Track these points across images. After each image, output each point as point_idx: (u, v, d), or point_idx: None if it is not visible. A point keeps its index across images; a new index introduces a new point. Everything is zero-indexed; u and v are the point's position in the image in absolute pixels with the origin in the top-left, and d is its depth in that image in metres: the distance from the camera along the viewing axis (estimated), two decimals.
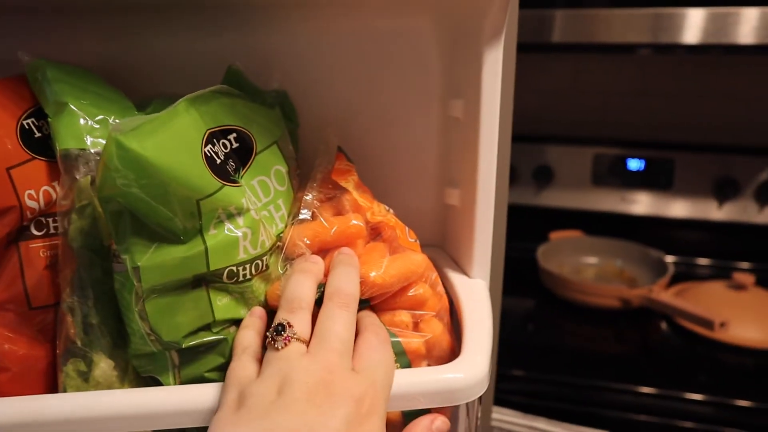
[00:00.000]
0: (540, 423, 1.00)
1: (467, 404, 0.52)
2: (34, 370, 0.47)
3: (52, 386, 0.47)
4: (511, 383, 1.01)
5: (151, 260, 0.41)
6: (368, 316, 0.46)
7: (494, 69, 0.51)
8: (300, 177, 0.54)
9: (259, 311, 0.46)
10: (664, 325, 1.15)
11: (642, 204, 1.33)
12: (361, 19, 0.57)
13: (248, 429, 0.35)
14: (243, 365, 0.41)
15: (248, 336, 0.43)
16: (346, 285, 0.44)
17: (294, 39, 0.58)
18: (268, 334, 0.41)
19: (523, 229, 1.18)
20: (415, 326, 0.50)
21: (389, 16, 0.57)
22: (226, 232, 0.43)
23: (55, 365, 0.47)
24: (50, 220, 0.45)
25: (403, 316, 0.49)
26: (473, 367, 0.46)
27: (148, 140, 0.39)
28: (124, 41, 0.56)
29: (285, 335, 0.40)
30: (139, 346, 0.44)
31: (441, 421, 0.45)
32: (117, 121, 0.45)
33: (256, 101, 0.50)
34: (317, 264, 0.46)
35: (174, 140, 0.41)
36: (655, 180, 1.30)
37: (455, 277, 0.58)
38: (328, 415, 0.36)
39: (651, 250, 1.26)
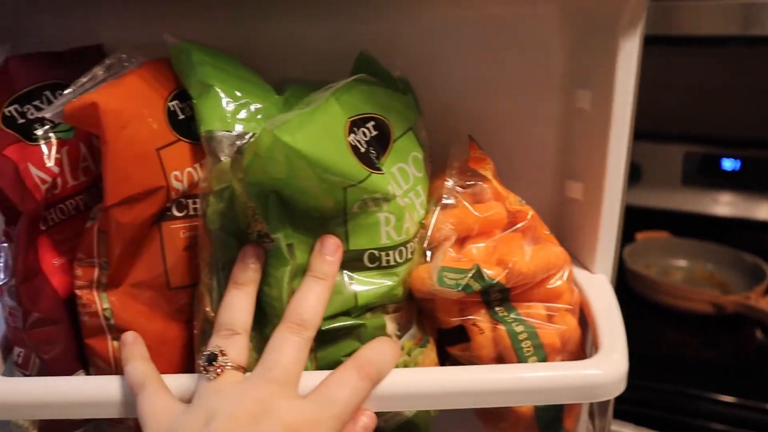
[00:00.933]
0: (627, 429, 0.97)
1: (601, 403, 0.51)
2: (170, 348, 0.48)
3: (188, 365, 0.48)
4: None
5: (300, 238, 0.42)
6: (309, 296, 0.42)
7: (629, 60, 0.50)
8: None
9: (131, 336, 0.45)
10: (759, 333, 1.10)
11: (734, 206, 1.28)
12: (483, 6, 0.56)
13: None
14: (159, 398, 0.40)
15: (142, 368, 0.42)
16: (306, 308, 0.41)
17: (416, 26, 0.57)
18: (199, 362, 0.39)
19: None
20: (549, 320, 0.49)
21: (513, 3, 0.56)
22: (368, 213, 0.43)
23: (190, 345, 0.48)
24: (190, 201, 0.46)
25: (539, 309, 0.49)
26: (613, 364, 0.45)
27: (298, 133, 0.39)
28: (251, 26, 0.56)
29: (217, 365, 0.38)
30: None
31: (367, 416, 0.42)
32: (259, 104, 0.45)
33: (389, 87, 0.49)
34: (254, 270, 0.42)
35: (322, 132, 0.41)
36: (750, 181, 1.25)
37: (577, 272, 0.56)
38: None
39: (746, 255, 1.21)
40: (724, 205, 1.28)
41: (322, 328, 0.44)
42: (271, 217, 0.42)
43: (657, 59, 1.30)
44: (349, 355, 0.45)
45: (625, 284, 1.21)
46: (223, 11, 0.55)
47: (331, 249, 0.42)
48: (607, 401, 0.51)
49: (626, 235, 1.32)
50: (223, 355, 0.38)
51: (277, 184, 0.41)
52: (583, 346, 0.51)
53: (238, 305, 0.41)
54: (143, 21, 0.52)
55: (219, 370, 0.38)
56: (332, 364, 0.45)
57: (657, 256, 1.27)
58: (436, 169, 0.52)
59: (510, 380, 0.44)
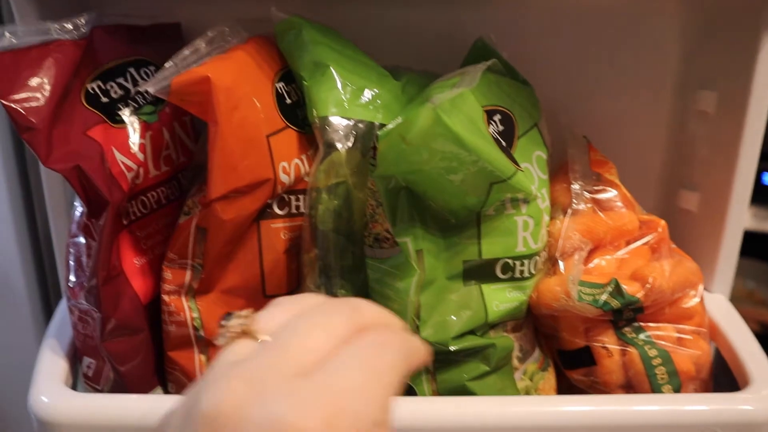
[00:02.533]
0: None
1: None
2: None
3: None
4: None
5: (431, 242, 0.36)
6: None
7: None
8: None
9: None
10: None
11: None
12: None
13: None
14: None
15: None
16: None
17: (521, 16, 0.52)
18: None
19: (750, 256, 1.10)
20: (679, 343, 0.43)
21: None
22: (504, 216, 0.37)
23: None
24: (293, 197, 0.40)
25: (670, 331, 0.43)
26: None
27: (454, 116, 0.33)
28: (343, 10, 0.50)
29: (234, 322, 0.24)
30: None
31: None
32: (376, 90, 0.40)
33: (512, 78, 0.44)
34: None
35: (469, 119, 0.35)
36: None
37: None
38: None
39: None
40: (765, 219, 1.24)
41: (450, 349, 0.38)
42: (400, 217, 0.36)
43: None
44: (475, 379, 0.39)
45: None
46: None
47: None
48: None
49: None
50: (249, 314, 0.24)
51: (416, 178, 0.35)
52: (711, 376, 0.46)
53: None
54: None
55: (235, 332, 0.23)
56: (454, 389, 0.39)
57: None
58: (550, 170, 0.46)
59: (656, 413, 0.38)
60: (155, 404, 0.37)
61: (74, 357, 0.42)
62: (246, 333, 0.23)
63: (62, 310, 0.45)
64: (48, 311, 0.56)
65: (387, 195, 0.36)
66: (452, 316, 0.38)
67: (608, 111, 0.55)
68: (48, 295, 0.58)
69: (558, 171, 0.47)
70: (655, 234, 0.45)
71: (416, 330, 0.37)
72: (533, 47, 0.52)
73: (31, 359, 0.41)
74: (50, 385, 0.38)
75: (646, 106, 0.54)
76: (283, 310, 0.25)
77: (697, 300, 0.44)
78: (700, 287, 0.45)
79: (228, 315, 0.24)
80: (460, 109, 0.34)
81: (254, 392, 0.20)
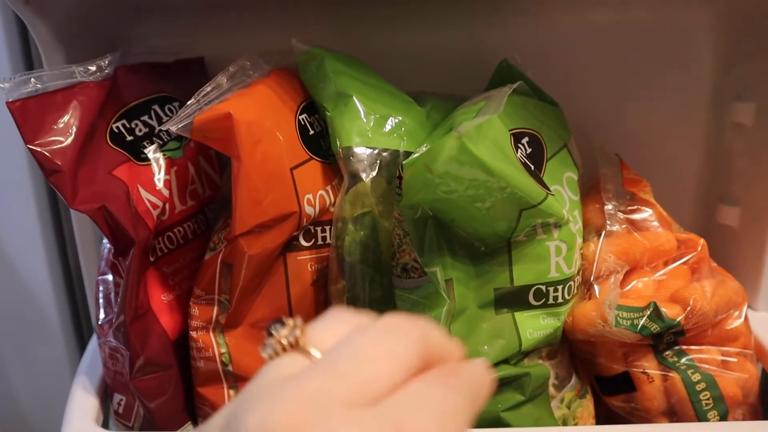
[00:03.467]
0: None
1: None
2: None
3: None
4: None
5: (461, 270, 0.35)
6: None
7: None
8: None
9: None
10: None
11: None
12: (621, 9, 0.50)
13: None
14: None
15: None
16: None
17: (547, 34, 0.51)
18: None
19: None
20: (724, 366, 0.42)
21: (656, 6, 0.50)
22: (535, 241, 0.36)
23: None
24: (318, 229, 0.40)
25: (714, 354, 0.41)
26: None
27: (481, 143, 0.33)
28: (359, 34, 0.50)
29: (282, 334, 0.20)
30: None
31: None
32: (401, 117, 0.39)
33: (538, 98, 0.43)
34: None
35: (495, 146, 0.34)
36: None
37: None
38: None
39: None
40: None
41: None
42: (428, 246, 0.35)
43: None
44: (510, 409, 0.38)
45: None
46: (326, 16, 0.49)
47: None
48: None
49: None
50: (298, 324, 0.21)
51: (442, 206, 0.34)
52: (760, 400, 0.44)
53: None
54: (248, 30, 0.47)
55: (282, 345, 0.20)
56: (489, 421, 0.38)
57: None
58: (582, 190, 0.45)
59: None
60: None
61: (105, 393, 0.42)
62: (295, 346, 0.20)
63: (93, 347, 0.45)
64: (82, 347, 0.57)
65: (414, 224, 0.35)
66: (485, 346, 0.37)
67: (641, 127, 0.53)
68: (82, 331, 0.59)
69: (590, 191, 0.46)
70: (695, 253, 0.43)
71: None
72: (561, 65, 0.51)
73: (66, 394, 0.41)
74: (81, 424, 0.38)
75: (680, 120, 0.53)
76: (340, 323, 0.22)
77: (741, 320, 0.42)
78: (745, 307, 0.43)
79: (277, 322, 0.21)
80: (486, 135, 0.34)
81: (311, 418, 0.18)
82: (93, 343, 0.46)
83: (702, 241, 0.44)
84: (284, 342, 0.20)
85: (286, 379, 0.19)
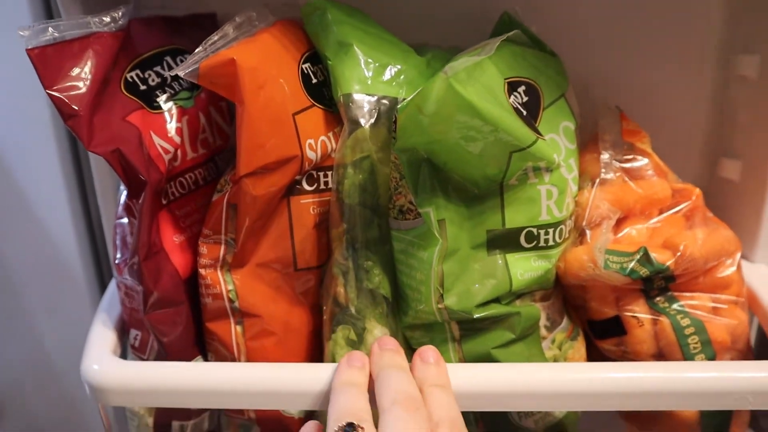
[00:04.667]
0: None
1: None
2: (296, 334, 0.44)
3: (313, 354, 0.44)
4: None
5: (454, 212, 0.37)
6: (440, 397, 0.35)
7: None
8: None
9: (360, 357, 0.37)
10: None
11: None
12: None
13: None
14: None
15: (352, 398, 0.35)
16: (408, 386, 0.34)
17: None
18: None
19: None
20: (715, 313, 0.43)
21: None
22: (527, 185, 0.38)
23: (315, 332, 0.44)
24: (321, 174, 0.42)
25: (705, 300, 0.43)
26: None
27: (470, 86, 0.34)
28: None
29: None
30: (420, 315, 0.40)
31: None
32: (400, 66, 0.41)
33: (538, 49, 0.44)
34: (364, 370, 0.37)
35: (487, 88, 0.36)
36: None
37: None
38: None
39: None
40: None
41: (473, 316, 0.39)
42: (421, 188, 0.38)
43: None
44: (501, 347, 0.40)
45: None
46: None
47: (434, 357, 0.37)
48: None
49: None
50: (362, 429, 0.31)
51: (435, 148, 0.36)
52: (750, 347, 0.46)
53: (359, 397, 0.35)
54: None
55: None
56: (480, 357, 0.40)
57: None
58: (582, 142, 0.47)
59: (691, 380, 0.38)
60: (195, 370, 0.40)
61: (122, 330, 0.46)
62: None
63: (112, 288, 0.48)
64: (102, 290, 0.61)
65: (408, 167, 0.38)
66: (476, 285, 0.39)
67: (647, 80, 0.54)
68: (102, 276, 0.63)
69: (589, 142, 0.47)
70: (689, 202, 0.45)
71: (440, 298, 0.39)
72: (564, 18, 0.52)
73: (87, 333, 0.45)
74: (101, 355, 0.42)
75: (686, 73, 0.54)
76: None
77: (733, 269, 0.44)
78: (738, 256, 0.44)
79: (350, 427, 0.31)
80: (477, 78, 0.36)
81: None
82: (112, 285, 0.49)
83: (697, 190, 0.45)
84: None
85: None
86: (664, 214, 0.44)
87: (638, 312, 0.43)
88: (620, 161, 0.44)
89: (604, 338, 0.45)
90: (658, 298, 0.43)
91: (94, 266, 0.61)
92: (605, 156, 0.44)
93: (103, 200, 0.49)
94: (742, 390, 0.38)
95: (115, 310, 0.46)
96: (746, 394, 0.38)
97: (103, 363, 0.41)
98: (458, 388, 0.37)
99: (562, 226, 0.40)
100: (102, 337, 0.44)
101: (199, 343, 0.45)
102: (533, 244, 0.40)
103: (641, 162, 0.45)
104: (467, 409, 0.38)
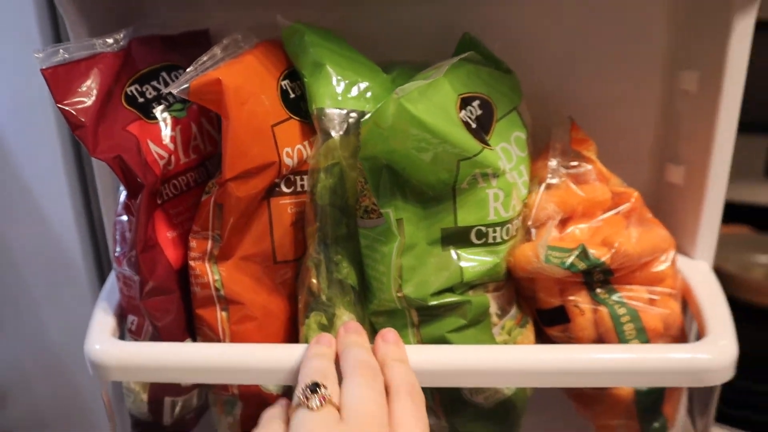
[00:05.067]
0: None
1: (704, 394, 0.51)
2: (274, 320, 0.50)
3: (289, 337, 0.50)
4: None
5: (411, 212, 0.43)
6: (399, 367, 0.41)
7: (743, 39, 0.50)
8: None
9: (328, 337, 0.44)
10: None
11: None
12: None
13: None
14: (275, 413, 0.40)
15: (318, 363, 0.41)
16: (368, 357, 0.41)
17: (516, 8, 0.58)
18: (299, 392, 0.38)
19: None
20: (651, 304, 0.49)
21: None
22: (477, 189, 0.44)
23: (292, 318, 0.50)
24: (298, 178, 0.48)
25: (641, 292, 0.49)
26: (722, 349, 0.45)
27: (420, 104, 0.40)
28: (345, 10, 0.58)
29: (321, 394, 0.37)
30: (383, 302, 0.46)
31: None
32: (367, 83, 0.47)
33: (494, 67, 0.50)
34: (331, 347, 0.43)
35: (438, 106, 0.42)
36: None
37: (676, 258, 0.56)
38: None
39: None
40: None
41: (429, 304, 0.45)
42: (382, 191, 0.44)
43: None
44: (454, 331, 0.46)
45: None
46: None
47: (393, 337, 0.44)
48: (711, 392, 0.51)
49: None
50: (325, 387, 0.37)
51: (393, 157, 0.42)
52: (684, 333, 0.51)
53: (326, 364, 0.41)
54: (250, 6, 0.55)
55: (322, 401, 0.37)
56: (435, 340, 0.46)
57: (735, 251, 1.24)
58: (536, 151, 0.53)
59: (616, 360, 0.44)
60: (184, 349, 0.46)
61: (121, 316, 0.52)
62: (328, 401, 0.37)
63: (112, 278, 0.54)
64: (102, 281, 0.67)
65: (371, 173, 0.44)
66: (431, 276, 0.45)
67: (601, 93, 0.60)
68: (103, 270, 0.69)
69: (543, 150, 0.53)
70: (628, 204, 0.50)
71: (399, 288, 0.45)
72: (526, 37, 0.58)
73: (88, 321, 0.51)
74: (102, 336, 0.48)
75: (636, 87, 0.60)
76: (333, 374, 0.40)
77: (667, 264, 0.50)
78: (671, 253, 0.50)
79: (314, 388, 0.37)
80: (429, 97, 0.42)
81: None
82: (111, 276, 0.55)
83: (636, 193, 0.51)
84: (326, 396, 0.37)
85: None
86: (605, 215, 0.50)
87: (580, 302, 0.49)
88: (566, 167, 0.50)
89: (551, 326, 0.51)
90: (599, 290, 0.49)
91: (94, 260, 0.67)
92: (553, 163, 0.50)
93: (104, 199, 0.55)
94: (666, 369, 0.44)
95: (114, 299, 0.53)
96: (664, 373, 0.44)
97: (104, 343, 0.47)
98: (415, 366, 0.43)
99: (509, 225, 0.46)
100: (103, 322, 0.50)
101: (189, 328, 0.51)
102: (482, 240, 0.46)
103: (585, 168, 0.50)
104: (423, 385, 0.45)
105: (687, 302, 0.52)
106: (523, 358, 0.44)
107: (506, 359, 0.44)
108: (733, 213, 1.30)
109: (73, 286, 0.68)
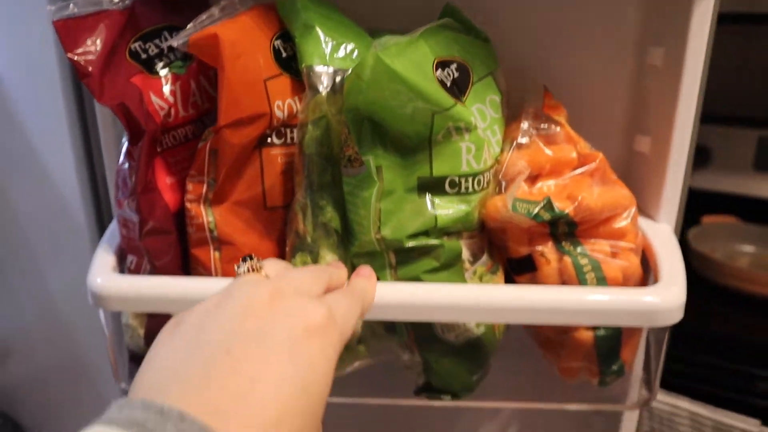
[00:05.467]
0: (683, 402, 1.00)
1: (658, 332, 0.55)
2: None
3: None
4: None
5: (390, 160, 0.48)
6: (360, 281, 0.45)
7: (703, 17, 0.54)
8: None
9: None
10: None
11: None
12: None
13: (180, 341, 0.32)
14: None
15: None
16: (326, 269, 0.43)
17: None
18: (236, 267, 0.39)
19: None
20: (613, 257, 0.54)
21: None
22: (451, 142, 0.49)
23: (279, 258, 0.55)
24: (288, 130, 0.53)
25: (604, 246, 0.53)
26: (671, 293, 0.50)
27: (397, 59, 0.45)
28: None
29: (250, 263, 0.38)
30: (363, 245, 0.51)
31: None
32: (353, 44, 0.52)
33: (471, 35, 0.55)
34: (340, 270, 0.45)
35: (414, 63, 0.47)
36: None
37: (642, 222, 0.61)
38: (268, 324, 0.33)
39: None
40: None
41: (405, 246, 0.50)
42: (363, 141, 0.48)
43: (734, 39, 1.31)
44: (428, 272, 0.51)
45: (689, 266, 1.23)
46: None
47: (368, 271, 0.48)
48: (663, 335, 0.55)
49: (693, 219, 1.34)
50: (260, 260, 0.38)
51: (373, 108, 0.47)
52: (642, 284, 0.56)
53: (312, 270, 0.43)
54: None
55: (250, 269, 0.38)
56: (411, 281, 0.51)
57: (723, 240, 1.28)
58: (512, 117, 0.57)
59: (575, 300, 0.49)
60: (176, 281, 0.51)
61: (121, 256, 0.57)
62: (258, 270, 0.38)
63: (113, 226, 0.59)
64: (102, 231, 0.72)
65: (353, 124, 0.48)
66: (407, 220, 0.49)
67: (576, 67, 0.65)
68: (103, 224, 0.74)
69: (518, 114, 0.58)
70: (594, 164, 0.55)
71: (378, 230, 0.49)
72: (506, 11, 0.63)
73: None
74: (102, 271, 0.53)
75: (610, 60, 0.64)
76: (278, 264, 0.41)
77: (628, 221, 0.54)
78: (632, 210, 0.55)
79: (247, 257, 0.39)
80: (407, 55, 0.46)
81: (277, 296, 0.35)
82: (113, 224, 0.60)
83: (600, 155, 0.55)
84: (254, 265, 0.38)
85: (256, 281, 0.36)
86: (571, 174, 0.55)
87: (547, 252, 0.54)
88: (537, 129, 0.55)
89: (520, 274, 0.55)
90: (564, 242, 0.54)
91: (95, 217, 0.72)
92: (525, 124, 0.54)
93: (106, 150, 0.60)
94: (619, 310, 0.49)
95: (115, 242, 0.57)
96: (616, 312, 0.49)
97: (105, 277, 0.52)
98: (390, 300, 0.48)
99: (480, 177, 0.51)
100: (104, 259, 0.55)
101: (185, 269, 0.56)
102: (455, 190, 0.50)
103: (555, 130, 0.55)
104: (397, 318, 0.49)
105: (647, 257, 0.57)
106: (489, 295, 0.49)
107: (474, 296, 0.49)
108: (723, 204, 1.35)
109: (74, 241, 0.73)
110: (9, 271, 0.83)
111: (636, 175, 0.64)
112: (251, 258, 0.38)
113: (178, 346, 0.32)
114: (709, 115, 1.34)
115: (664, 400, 1.01)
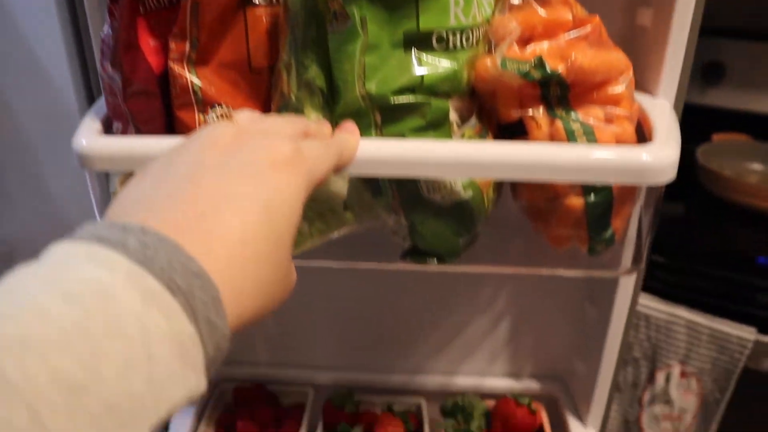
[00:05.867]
0: (681, 311, 1.01)
1: (651, 190, 0.55)
2: None
3: None
4: (657, 270, 1.02)
5: (375, 13, 0.47)
6: (339, 134, 0.46)
7: None
8: None
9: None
10: None
11: None
12: None
13: (146, 178, 0.33)
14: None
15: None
16: (308, 121, 0.43)
17: None
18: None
19: (684, 128, 1.15)
20: (607, 123, 0.53)
21: None
22: None
23: None
24: None
25: (597, 111, 0.53)
26: (664, 152, 0.49)
27: None
28: None
29: (220, 110, 0.40)
30: (348, 103, 0.50)
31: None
32: None
33: None
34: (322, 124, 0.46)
35: None
36: None
37: (640, 97, 0.60)
38: (233, 156, 0.33)
39: None
40: None
41: (390, 103, 0.49)
42: None
43: None
44: (414, 130, 0.50)
45: (698, 182, 1.23)
46: None
47: (351, 127, 0.48)
48: (653, 201, 0.55)
49: (702, 137, 1.33)
50: (224, 107, 0.40)
51: None
52: None
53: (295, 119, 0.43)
54: None
55: (221, 117, 0.40)
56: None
57: (732, 158, 1.27)
58: None
59: (565, 156, 0.48)
60: (164, 141, 0.51)
61: (108, 124, 0.57)
62: (229, 117, 0.37)
63: (100, 101, 0.59)
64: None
65: None
66: (393, 75, 0.49)
67: None
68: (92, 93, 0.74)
69: None
70: (589, 26, 0.54)
71: (363, 85, 0.49)
72: None
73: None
74: (88, 132, 0.53)
75: None
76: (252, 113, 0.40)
77: (623, 87, 0.53)
78: (628, 75, 0.54)
79: (213, 106, 0.41)
80: None
81: (243, 133, 0.36)
82: (100, 100, 0.60)
83: (597, 18, 0.54)
84: (225, 112, 0.39)
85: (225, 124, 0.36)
86: (566, 37, 0.53)
87: (537, 117, 0.53)
88: None
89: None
90: (556, 108, 0.53)
91: (83, 83, 0.72)
92: None
93: (91, 16, 0.59)
94: (613, 167, 0.48)
95: (102, 112, 0.57)
96: (608, 169, 0.48)
97: (90, 138, 0.52)
98: (373, 156, 0.48)
99: (469, 32, 0.50)
100: (90, 125, 0.55)
101: (170, 132, 0.55)
102: (443, 45, 0.49)
103: None
104: (382, 175, 0.49)
105: (643, 128, 0.56)
106: (477, 149, 0.48)
107: (464, 151, 0.48)
108: (736, 121, 1.33)
109: (60, 108, 0.73)
110: (10, 180, 0.84)
111: (637, 50, 0.63)
112: (221, 106, 0.38)
113: (145, 183, 0.33)
114: (724, 28, 1.31)
115: (663, 309, 1.02)
